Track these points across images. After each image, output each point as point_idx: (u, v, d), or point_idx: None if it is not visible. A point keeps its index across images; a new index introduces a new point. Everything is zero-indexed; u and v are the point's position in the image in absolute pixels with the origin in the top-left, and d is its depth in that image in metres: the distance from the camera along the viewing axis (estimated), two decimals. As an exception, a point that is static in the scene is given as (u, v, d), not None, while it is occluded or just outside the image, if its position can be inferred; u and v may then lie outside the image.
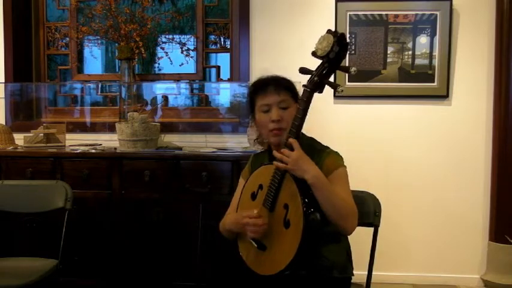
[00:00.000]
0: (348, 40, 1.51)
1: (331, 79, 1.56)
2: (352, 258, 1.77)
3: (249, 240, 1.65)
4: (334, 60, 1.50)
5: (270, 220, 1.60)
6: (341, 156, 1.71)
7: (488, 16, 3.04)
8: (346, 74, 3.00)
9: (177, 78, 3.43)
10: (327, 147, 1.74)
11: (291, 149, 1.54)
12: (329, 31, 1.50)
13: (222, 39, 3.42)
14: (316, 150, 1.69)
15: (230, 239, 1.78)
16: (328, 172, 1.62)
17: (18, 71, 3.38)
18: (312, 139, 1.77)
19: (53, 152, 2.92)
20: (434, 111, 3.11)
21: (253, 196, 1.69)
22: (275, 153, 1.57)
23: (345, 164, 1.69)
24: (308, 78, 1.55)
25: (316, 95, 1.57)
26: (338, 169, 1.65)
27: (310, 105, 1.55)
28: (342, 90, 1.51)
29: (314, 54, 1.53)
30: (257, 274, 1.63)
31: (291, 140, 1.54)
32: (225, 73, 3.41)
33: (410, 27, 3.06)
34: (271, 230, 1.60)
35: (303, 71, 1.59)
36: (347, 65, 2.99)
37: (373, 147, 3.12)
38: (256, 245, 1.63)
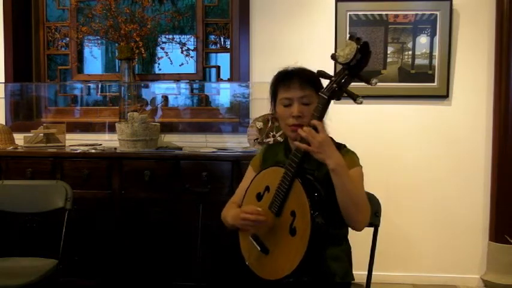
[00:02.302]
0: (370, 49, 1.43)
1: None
2: (352, 258, 1.76)
3: (251, 241, 1.64)
4: (355, 69, 1.44)
5: (275, 225, 1.57)
6: (357, 156, 1.68)
7: (488, 16, 3.04)
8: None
9: (177, 78, 3.42)
10: (345, 146, 1.71)
11: (315, 130, 1.48)
12: (352, 37, 1.44)
13: (222, 39, 3.42)
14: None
15: (232, 229, 1.76)
16: None
17: (18, 71, 3.38)
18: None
19: (53, 152, 2.92)
20: (434, 111, 3.11)
21: (259, 197, 1.66)
22: (300, 131, 1.49)
23: (361, 164, 1.66)
24: (326, 85, 1.50)
25: None
26: (354, 168, 1.62)
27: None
28: (362, 102, 1.45)
29: (334, 59, 1.47)
30: (258, 276, 1.62)
31: (315, 122, 1.48)
32: (225, 73, 3.41)
33: (410, 27, 3.06)
34: (276, 234, 1.57)
35: (321, 74, 1.54)
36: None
37: (373, 147, 3.12)
38: (259, 248, 1.61)
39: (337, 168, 1.47)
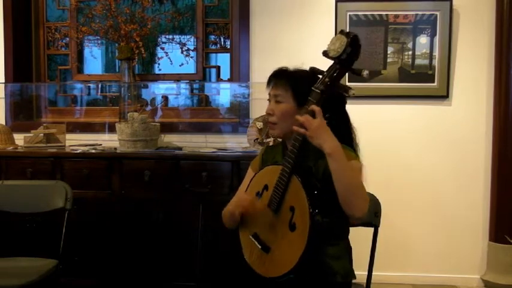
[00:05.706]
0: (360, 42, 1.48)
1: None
2: (353, 258, 1.76)
3: (252, 240, 1.65)
4: (346, 62, 1.47)
5: (275, 222, 1.59)
6: (358, 154, 1.66)
7: (488, 16, 3.04)
8: (346, 75, 2.99)
9: (177, 78, 3.42)
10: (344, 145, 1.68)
11: (313, 116, 1.49)
12: (342, 32, 1.47)
13: (222, 39, 3.42)
14: None
15: (230, 228, 1.76)
16: None
17: (18, 71, 3.38)
18: None
19: (53, 152, 2.92)
20: (434, 111, 3.11)
21: (258, 196, 1.68)
22: (298, 117, 1.51)
23: (361, 161, 1.65)
24: (319, 79, 1.52)
25: None
26: (351, 161, 1.58)
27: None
28: (354, 94, 1.49)
29: (325, 54, 1.51)
30: (259, 275, 1.63)
31: (313, 107, 1.49)
32: (225, 73, 3.41)
33: (410, 28, 3.06)
34: (276, 231, 1.58)
35: (314, 70, 1.57)
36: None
37: (373, 148, 3.10)
38: (260, 247, 1.62)
39: (333, 153, 1.47)
